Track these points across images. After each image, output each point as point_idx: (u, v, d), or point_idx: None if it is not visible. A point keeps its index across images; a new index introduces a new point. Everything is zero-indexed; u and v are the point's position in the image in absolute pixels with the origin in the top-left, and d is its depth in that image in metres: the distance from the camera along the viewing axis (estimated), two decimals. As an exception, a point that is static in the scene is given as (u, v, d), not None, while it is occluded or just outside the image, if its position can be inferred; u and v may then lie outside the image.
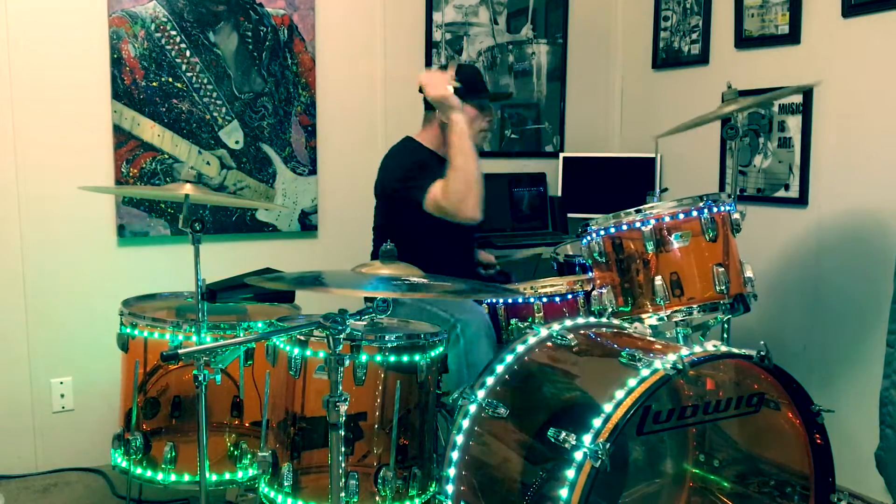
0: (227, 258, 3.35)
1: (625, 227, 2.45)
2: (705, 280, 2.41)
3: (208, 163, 3.42)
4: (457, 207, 2.62)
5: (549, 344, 2.24)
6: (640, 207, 2.44)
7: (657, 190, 2.70)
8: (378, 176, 2.97)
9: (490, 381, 2.19)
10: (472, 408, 2.17)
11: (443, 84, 2.72)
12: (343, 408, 1.77)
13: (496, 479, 2.15)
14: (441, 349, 2.39)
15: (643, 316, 2.44)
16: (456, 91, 2.79)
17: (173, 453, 2.47)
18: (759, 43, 3.41)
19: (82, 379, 3.29)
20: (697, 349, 2.03)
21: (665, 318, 2.42)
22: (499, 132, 4.03)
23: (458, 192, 2.62)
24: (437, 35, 3.83)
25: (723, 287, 2.39)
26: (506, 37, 4.00)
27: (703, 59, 3.70)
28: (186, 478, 2.48)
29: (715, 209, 2.43)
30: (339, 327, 1.74)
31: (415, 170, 2.82)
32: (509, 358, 2.23)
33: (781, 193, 3.34)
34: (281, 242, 3.59)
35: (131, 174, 3.28)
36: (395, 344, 2.24)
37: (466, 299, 2.71)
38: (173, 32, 3.30)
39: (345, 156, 3.31)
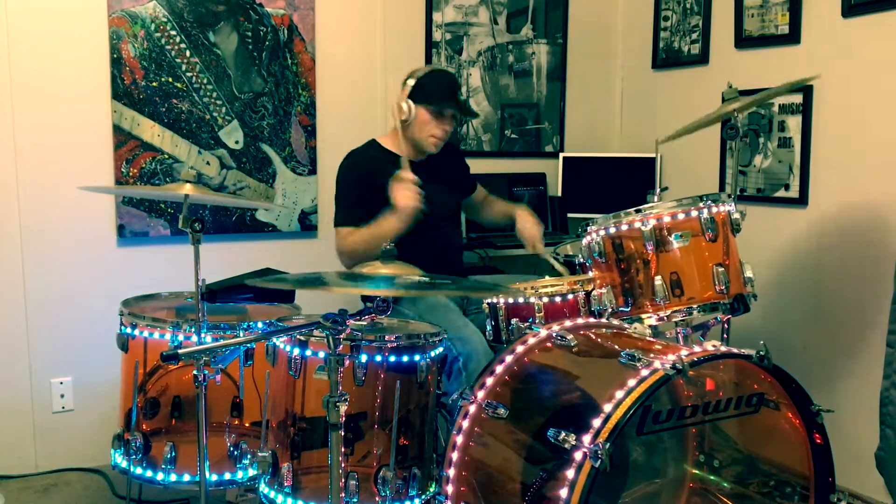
0: (227, 258, 3.36)
1: (625, 227, 2.44)
2: (705, 280, 2.40)
3: (208, 163, 3.42)
4: (338, 252, 2.94)
5: (549, 344, 2.23)
6: (640, 207, 2.44)
7: (657, 189, 2.70)
8: None
9: (490, 381, 2.19)
10: (472, 408, 2.17)
11: (412, 199, 2.78)
12: (343, 408, 1.77)
13: (496, 480, 2.15)
14: (441, 349, 2.39)
15: (643, 316, 2.43)
16: (411, 94, 2.91)
17: (173, 453, 2.47)
18: (759, 43, 3.41)
19: (82, 379, 3.29)
20: (697, 349, 2.03)
21: (665, 318, 2.42)
22: (499, 132, 4.03)
23: (346, 253, 2.91)
24: (437, 35, 3.83)
25: (723, 287, 2.39)
26: (506, 37, 4.00)
27: (703, 59, 3.70)
28: (186, 478, 2.49)
29: (715, 209, 2.43)
30: (339, 327, 1.74)
31: (345, 186, 2.99)
32: (509, 358, 2.23)
33: (781, 193, 3.34)
34: (281, 242, 3.59)
35: (131, 174, 3.28)
36: (395, 344, 2.24)
37: (468, 325, 2.73)
38: (173, 32, 3.30)
39: (345, 156, 3.30)
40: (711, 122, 2.88)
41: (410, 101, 2.93)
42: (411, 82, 2.94)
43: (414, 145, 2.99)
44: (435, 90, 2.92)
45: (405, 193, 2.75)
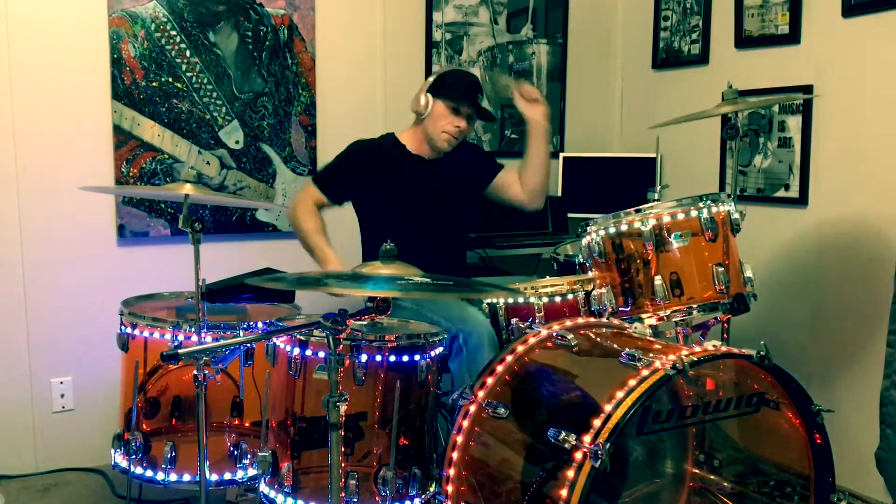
0: (227, 258, 3.35)
1: (625, 227, 2.45)
2: (705, 280, 2.41)
3: (208, 163, 3.42)
4: (291, 204, 3.08)
5: (550, 344, 2.23)
6: (640, 207, 2.44)
7: (657, 187, 2.70)
8: None
9: (490, 381, 2.19)
10: (472, 408, 2.17)
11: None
12: (343, 408, 1.77)
13: (496, 479, 2.15)
14: (441, 349, 2.39)
15: (643, 316, 2.44)
16: (431, 87, 2.92)
17: (173, 453, 2.47)
18: (759, 43, 3.41)
19: (82, 379, 3.29)
20: (697, 349, 2.03)
21: (665, 317, 2.42)
22: (499, 132, 4.03)
23: (292, 215, 3.02)
24: (437, 35, 3.83)
25: (723, 287, 2.39)
26: (506, 37, 4.00)
27: (703, 59, 3.70)
28: (186, 478, 2.48)
29: (715, 209, 2.43)
30: (339, 327, 1.74)
31: (342, 157, 3.00)
32: (509, 358, 2.23)
33: (781, 193, 3.34)
34: (281, 242, 3.59)
35: (131, 174, 3.28)
36: (395, 344, 2.24)
37: (468, 307, 2.73)
38: (173, 32, 3.30)
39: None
40: (707, 116, 2.87)
41: (429, 95, 2.92)
42: (433, 77, 2.95)
43: (428, 141, 2.98)
44: (455, 86, 2.92)
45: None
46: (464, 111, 2.92)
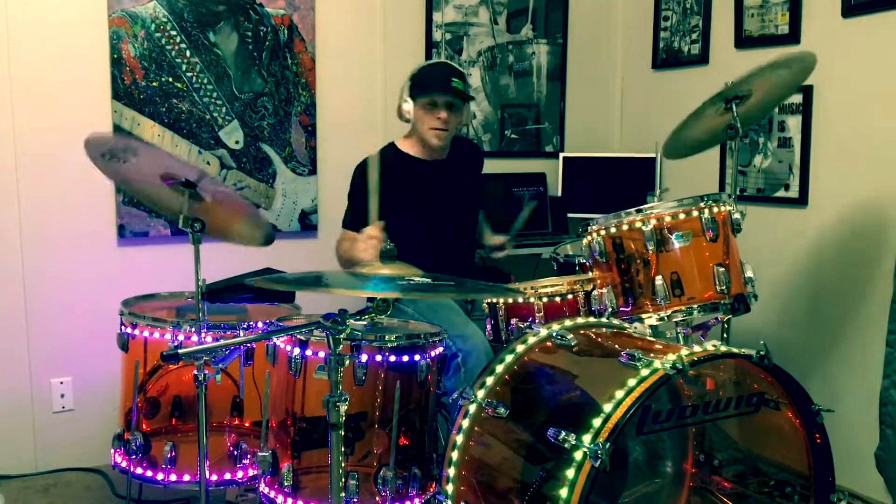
0: (227, 258, 3.35)
1: (625, 227, 2.45)
2: (706, 280, 2.41)
3: (208, 163, 3.42)
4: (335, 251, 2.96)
5: (549, 344, 2.23)
6: (641, 207, 2.44)
7: (657, 189, 2.70)
8: None
9: (490, 381, 2.19)
10: (472, 408, 2.17)
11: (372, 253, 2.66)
12: (343, 408, 1.77)
13: (496, 479, 2.15)
14: (441, 349, 2.39)
15: (643, 316, 2.44)
16: (408, 91, 2.91)
17: (173, 453, 2.47)
18: (759, 43, 3.41)
19: (82, 379, 3.29)
20: (697, 349, 2.03)
21: (665, 318, 2.42)
22: (499, 132, 4.03)
23: (337, 256, 2.93)
24: (437, 35, 3.83)
25: (723, 287, 2.39)
26: (506, 37, 4.00)
27: (703, 59, 3.70)
28: (186, 478, 2.49)
29: (715, 209, 2.43)
30: (339, 327, 1.74)
31: (356, 191, 2.92)
32: (509, 358, 2.22)
33: (781, 193, 3.34)
34: (281, 242, 3.57)
35: (131, 174, 3.28)
36: (395, 344, 2.24)
37: (470, 323, 2.72)
38: (173, 32, 3.30)
39: (345, 156, 3.32)
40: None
41: (409, 100, 2.93)
42: (407, 81, 2.94)
43: (423, 143, 2.98)
44: (426, 82, 2.90)
45: (367, 249, 2.62)
46: (441, 102, 2.89)
